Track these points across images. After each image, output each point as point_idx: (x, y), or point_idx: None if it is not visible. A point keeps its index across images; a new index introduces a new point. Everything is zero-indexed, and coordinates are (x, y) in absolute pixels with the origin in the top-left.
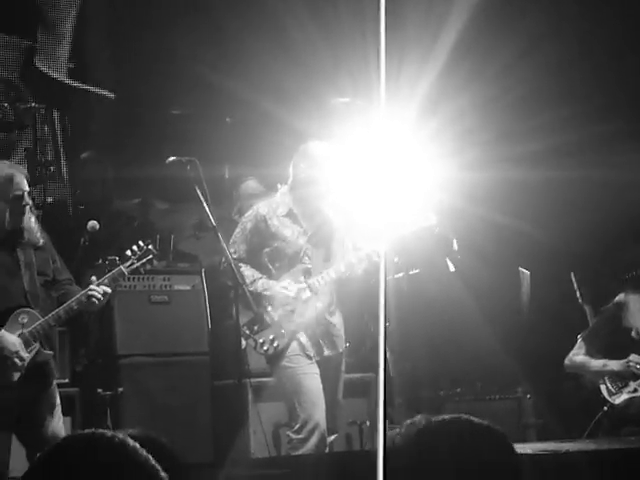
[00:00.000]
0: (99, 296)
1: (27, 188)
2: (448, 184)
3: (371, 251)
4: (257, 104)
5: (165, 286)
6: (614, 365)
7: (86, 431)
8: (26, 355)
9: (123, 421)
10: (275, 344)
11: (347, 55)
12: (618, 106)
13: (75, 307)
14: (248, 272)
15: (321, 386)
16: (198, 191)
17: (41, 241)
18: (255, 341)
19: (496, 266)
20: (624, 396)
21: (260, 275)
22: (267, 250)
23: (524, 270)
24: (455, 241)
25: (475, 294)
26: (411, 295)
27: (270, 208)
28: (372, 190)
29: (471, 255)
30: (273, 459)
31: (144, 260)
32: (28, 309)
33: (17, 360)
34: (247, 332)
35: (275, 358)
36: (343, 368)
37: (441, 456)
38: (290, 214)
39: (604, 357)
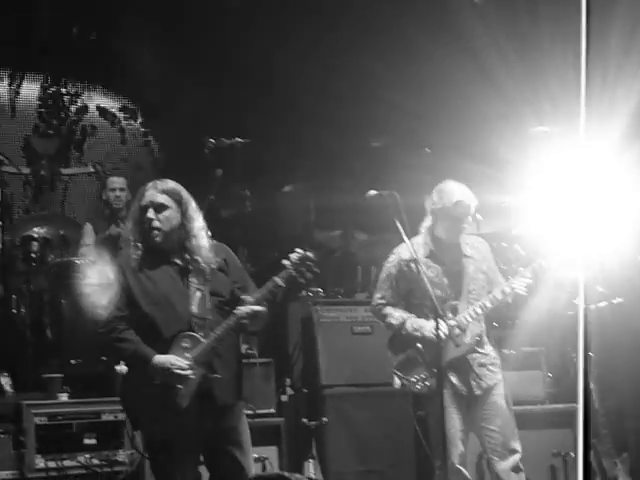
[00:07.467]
0: (245, 316)
1: None
2: None
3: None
4: (456, 133)
5: (367, 317)
6: None
7: (272, 473)
8: (187, 370)
9: (327, 451)
10: (427, 382)
11: (547, 81)
12: None
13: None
14: (397, 314)
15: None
16: (398, 223)
17: (215, 263)
18: (408, 380)
19: None
20: None
21: (409, 315)
22: (414, 292)
23: None
24: None
25: None
26: (615, 325)
27: (411, 252)
28: (570, 217)
29: None
30: None
31: (303, 269)
32: (191, 333)
33: (179, 371)
34: (399, 373)
35: (429, 396)
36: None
37: None
38: (431, 254)
39: None
